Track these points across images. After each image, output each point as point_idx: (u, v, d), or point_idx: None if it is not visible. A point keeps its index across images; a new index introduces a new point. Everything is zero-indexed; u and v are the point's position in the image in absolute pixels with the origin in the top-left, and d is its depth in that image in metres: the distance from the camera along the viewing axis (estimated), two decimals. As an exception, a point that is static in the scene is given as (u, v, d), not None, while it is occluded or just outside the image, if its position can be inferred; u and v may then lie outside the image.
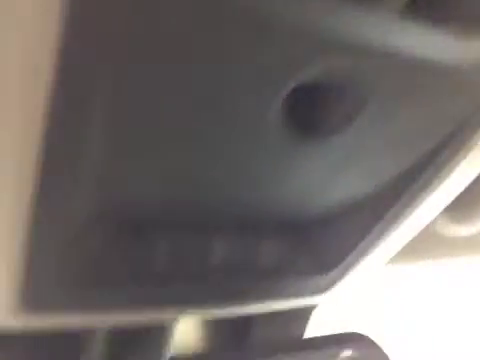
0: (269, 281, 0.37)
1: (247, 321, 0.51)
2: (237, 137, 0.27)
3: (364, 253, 0.36)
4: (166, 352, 0.49)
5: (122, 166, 0.28)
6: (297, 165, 0.30)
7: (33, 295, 0.29)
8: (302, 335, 0.53)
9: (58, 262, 0.29)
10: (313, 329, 0.45)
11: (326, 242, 0.37)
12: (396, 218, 0.35)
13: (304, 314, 0.51)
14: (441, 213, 0.40)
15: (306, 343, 0.38)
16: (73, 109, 0.22)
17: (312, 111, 0.28)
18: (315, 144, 0.29)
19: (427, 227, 0.39)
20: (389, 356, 0.37)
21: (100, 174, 0.27)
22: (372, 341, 0.38)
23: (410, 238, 0.39)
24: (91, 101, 0.23)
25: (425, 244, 0.47)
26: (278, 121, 0.26)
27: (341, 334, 0.38)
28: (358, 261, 0.37)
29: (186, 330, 0.52)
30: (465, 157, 0.33)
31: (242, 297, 0.38)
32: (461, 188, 0.37)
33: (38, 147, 0.23)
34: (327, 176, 0.32)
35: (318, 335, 0.39)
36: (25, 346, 0.38)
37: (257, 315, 0.49)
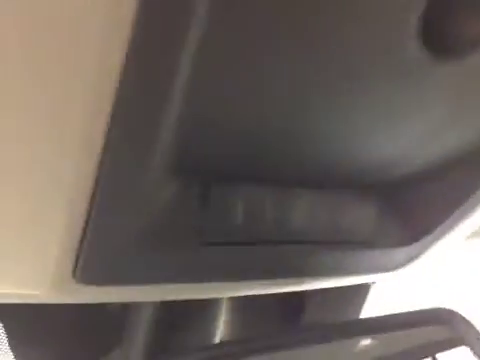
0: (349, 252, 0.33)
1: (299, 300, 0.48)
2: (359, 61, 0.23)
3: (461, 218, 0.32)
4: (215, 333, 0.46)
5: (206, 115, 0.24)
6: (420, 96, 0.26)
7: (92, 267, 0.26)
8: (359, 313, 0.50)
9: (122, 221, 0.25)
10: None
11: (420, 205, 0.33)
12: None
13: (364, 290, 0.47)
14: None
15: (392, 320, 0.35)
16: (155, 55, 0.19)
17: (449, 28, 0.24)
18: (447, 64, 0.25)
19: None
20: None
21: (179, 125, 0.23)
22: (463, 317, 0.34)
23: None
24: (174, 44, 0.19)
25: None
26: (414, 36, 0.23)
27: (429, 310, 0.35)
28: (453, 228, 0.33)
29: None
30: None
31: (315, 270, 0.34)
32: None
33: (111, 96, 0.20)
34: (444, 116, 0.28)
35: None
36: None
37: (312, 292, 0.46)
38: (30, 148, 0.21)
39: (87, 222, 0.24)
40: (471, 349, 0.34)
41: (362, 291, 0.47)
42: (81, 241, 0.25)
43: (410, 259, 0.35)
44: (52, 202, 0.23)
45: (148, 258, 0.27)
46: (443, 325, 0.34)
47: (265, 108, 0.25)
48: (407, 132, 0.28)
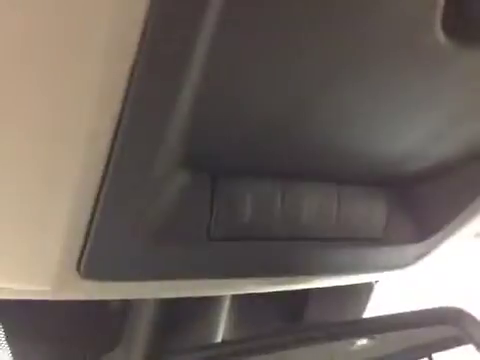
0: (359, 249, 0.33)
1: (301, 299, 0.47)
2: (377, 51, 0.23)
3: (471, 216, 0.32)
4: (216, 332, 0.45)
5: (215, 110, 0.24)
6: (438, 88, 0.26)
7: (96, 262, 0.26)
8: (362, 312, 0.49)
9: (128, 217, 0.25)
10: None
11: (431, 202, 0.32)
12: None
13: (368, 289, 0.47)
14: None
15: (401, 319, 0.34)
16: (167, 53, 0.19)
17: (471, 16, 0.24)
18: (468, 54, 0.24)
19: None
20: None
21: (188, 120, 0.23)
22: (472, 316, 0.34)
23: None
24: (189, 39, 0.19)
25: None
26: (436, 24, 0.22)
27: (437, 309, 0.34)
28: (463, 225, 0.33)
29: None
30: None
31: (324, 267, 0.33)
32: None
33: (118, 95, 0.20)
34: (460, 109, 0.27)
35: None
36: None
37: (314, 291, 0.45)
38: (35, 146, 0.21)
39: (92, 218, 0.24)
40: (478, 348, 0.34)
41: (366, 290, 0.46)
42: (86, 236, 0.24)
43: (419, 257, 0.34)
44: (57, 199, 0.23)
45: (154, 254, 0.27)
46: (451, 324, 0.33)
47: (275, 102, 0.25)
48: (423, 125, 0.28)
